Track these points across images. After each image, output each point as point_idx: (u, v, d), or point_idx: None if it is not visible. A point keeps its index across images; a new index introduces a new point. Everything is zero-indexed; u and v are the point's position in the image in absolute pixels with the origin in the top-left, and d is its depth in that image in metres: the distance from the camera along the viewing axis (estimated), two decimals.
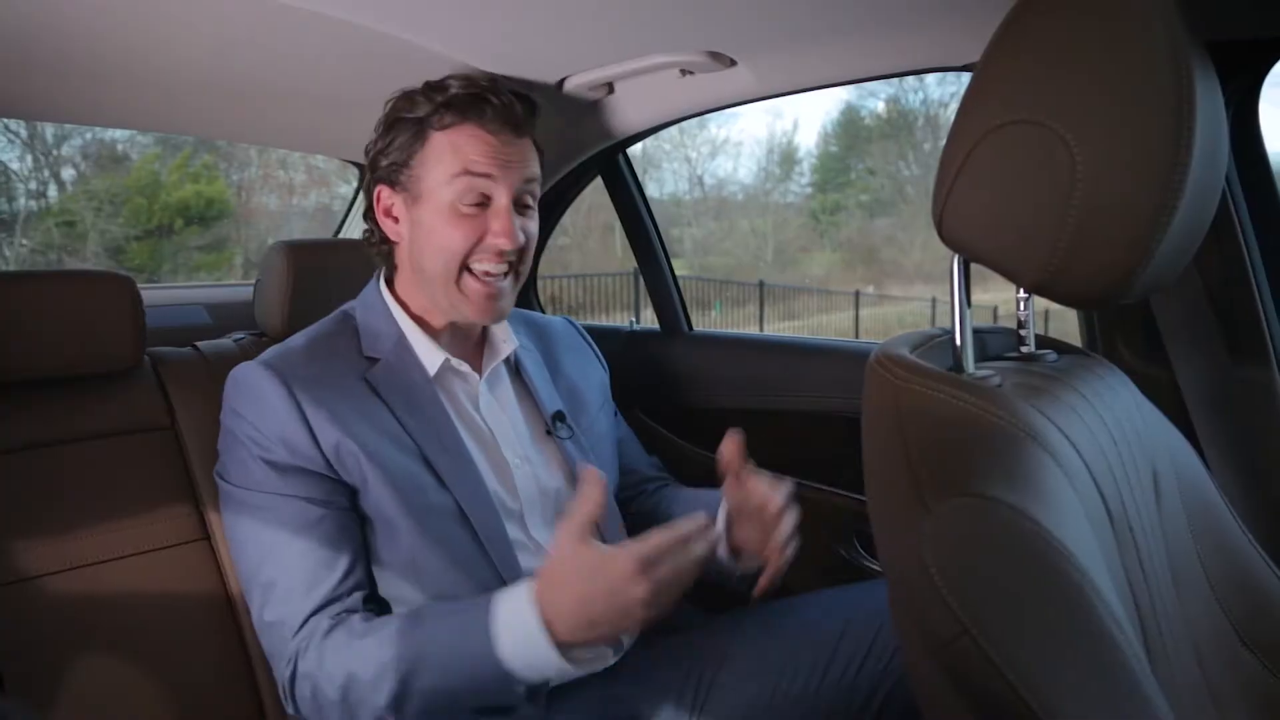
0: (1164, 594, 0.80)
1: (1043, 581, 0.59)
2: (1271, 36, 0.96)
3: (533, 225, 1.18)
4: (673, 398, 1.84)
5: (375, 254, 1.23)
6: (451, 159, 1.11)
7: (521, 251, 1.16)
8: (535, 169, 1.17)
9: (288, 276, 1.42)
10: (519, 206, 1.15)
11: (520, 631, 0.91)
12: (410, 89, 1.16)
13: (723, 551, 1.18)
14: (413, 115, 1.14)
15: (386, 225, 1.19)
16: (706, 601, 1.27)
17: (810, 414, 1.62)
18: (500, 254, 1.13)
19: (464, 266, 1.13)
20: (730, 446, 1.09)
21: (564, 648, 0.90)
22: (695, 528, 0.90)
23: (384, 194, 1.18)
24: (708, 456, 1.76)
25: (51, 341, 1.23)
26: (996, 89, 0.69)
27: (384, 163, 1.17)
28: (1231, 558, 0.89)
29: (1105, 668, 0.57)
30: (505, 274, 1.15)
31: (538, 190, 1.19)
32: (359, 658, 0.97)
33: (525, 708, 0.99)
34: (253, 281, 1.57)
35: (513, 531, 1.14)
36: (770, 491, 1.09)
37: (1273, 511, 1.09)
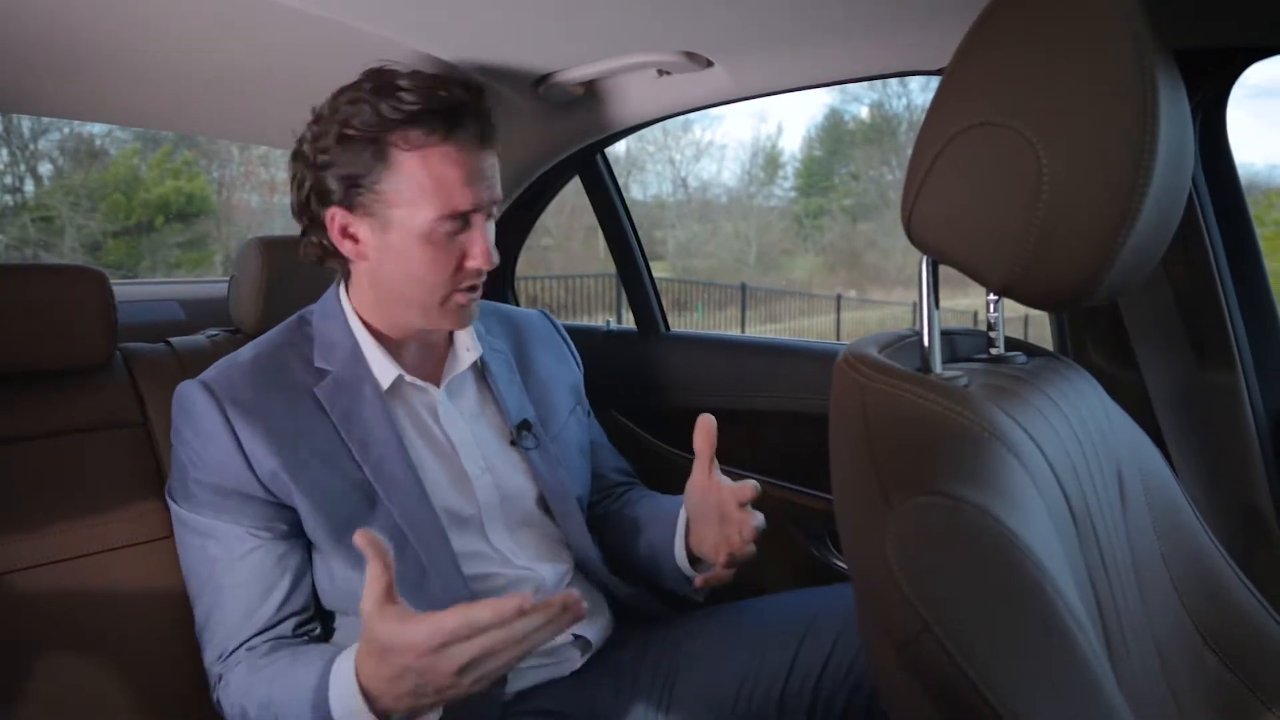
0: (1127, 594, 0.81)
1: (1004, 580, 0.59)
2: (1237, 45, 0.98)
3: (493, 231, 1.12)
4: (649, 398, 1.84)
5: (315, 258, 1.16)
6: (430, 189, 1.03)
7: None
8: (499, 181, 1.11)
9: (262, 273, 1.41)
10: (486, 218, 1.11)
11: (347, 700, 0.87)
12: (353, 91, 1.05)
13: (680, 556, 1.17)
14: (365, 131, 1.03)
15: (344, 246, 1.10)
16: (674, 600, 1.28)
17: (785, 414, 1.63)
18: (478, 273, 1.10)
19: (453, 288, 1.09)
20: (703, 435, 1.06)
21: (385, 714, 0.87)
22: (513, 606, 0.78)
23: (337, 215, 1.08)
24: (683, 456, 1.77)
25: (21, 336, 1.22)
26: (965, 91, 0.70)
27: (333, 179, 1.06)
28: (1195, 559, 0.90)
29: (1064, 666, 0.58)
30: (479, 288, 1.13)
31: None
32: (248, 694, 0.99)
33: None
34: (227, 278, 1.56)
35: (474, 543, 1.13)
36: (732, 491, 1.04)
37: (1237, 513, 1.11)
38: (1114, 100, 0.62)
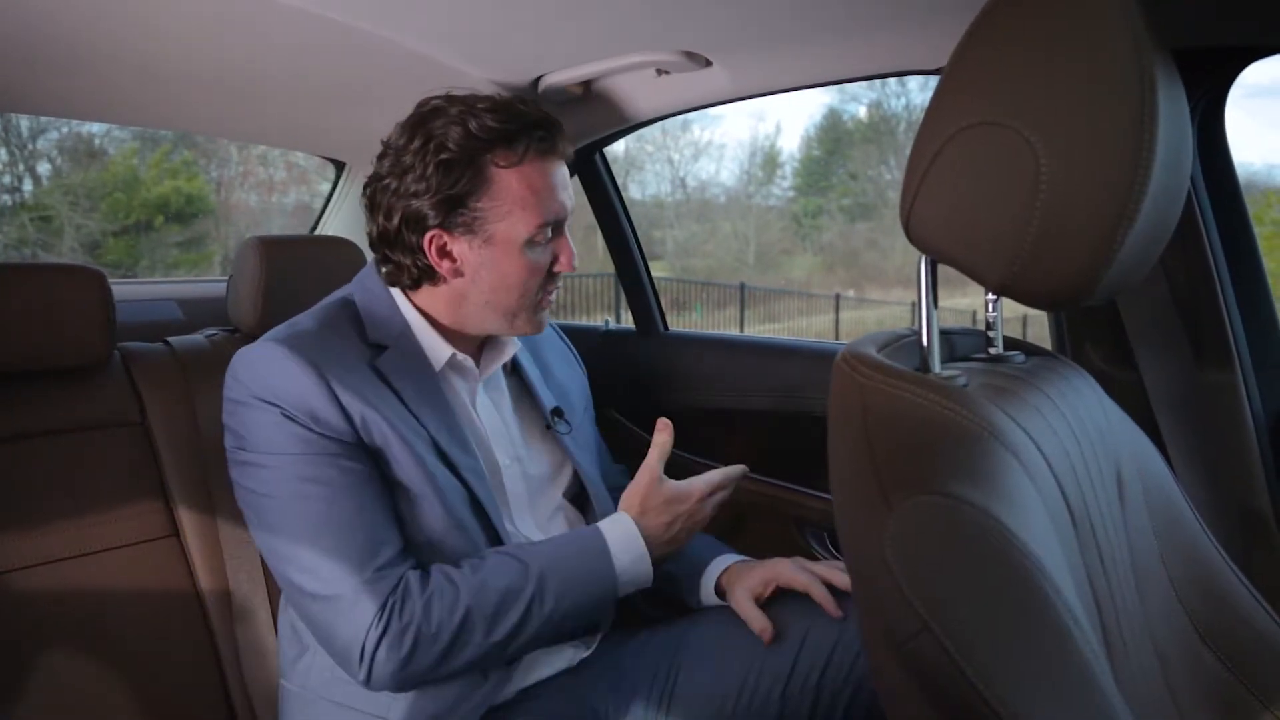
0: (1125, 593, 0.81)
1: (1003, 579, 0.59)
2: (1236, 45, 0.98)
3: None
4: (647, 397, 1.84)
5: (409, 282, 1.16)
6: (530, 202, 1.09)
7: None
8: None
9: (261, 272, 1.41)
10: None
11: (632, 551, 1.09)
12: (432, 120, 1.09)
13: (709, 586, 1.24)
14: (458, 152, 1.07)
15: (442, 266, 1.11)
16: (673, 605, 1.28)
17: (784, 414, 1.63)
18: (560, 276, 1.17)
19: (540, 297, 1.16)
20: (662, 432, 1.16)
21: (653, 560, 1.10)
22: (738, 470, 1.19)
23: (435, 237, 1.10)
24: (681, 456, 1.77)
25: (19, 335, 1.22)
26: (963, 91, 0.70)
27: (429, 204, 1.08)
28: (1194, 558, 0.90)
29: (1063, 666, 0.58)
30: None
31: None
32: (476, 593, 1.01)
33: (606, 624, 1.19)
34: (225, 277, 1.56)
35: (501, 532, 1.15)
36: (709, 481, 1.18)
37: (1235, 513, 1.11)
38: (1112, 99, 0.62)
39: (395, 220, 1.11)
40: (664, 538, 1.12)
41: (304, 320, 1.14)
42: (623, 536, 1.10)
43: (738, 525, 1.61)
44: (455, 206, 1.08)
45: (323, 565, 1.00)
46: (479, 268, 1.12)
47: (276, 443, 1.03)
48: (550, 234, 1.13)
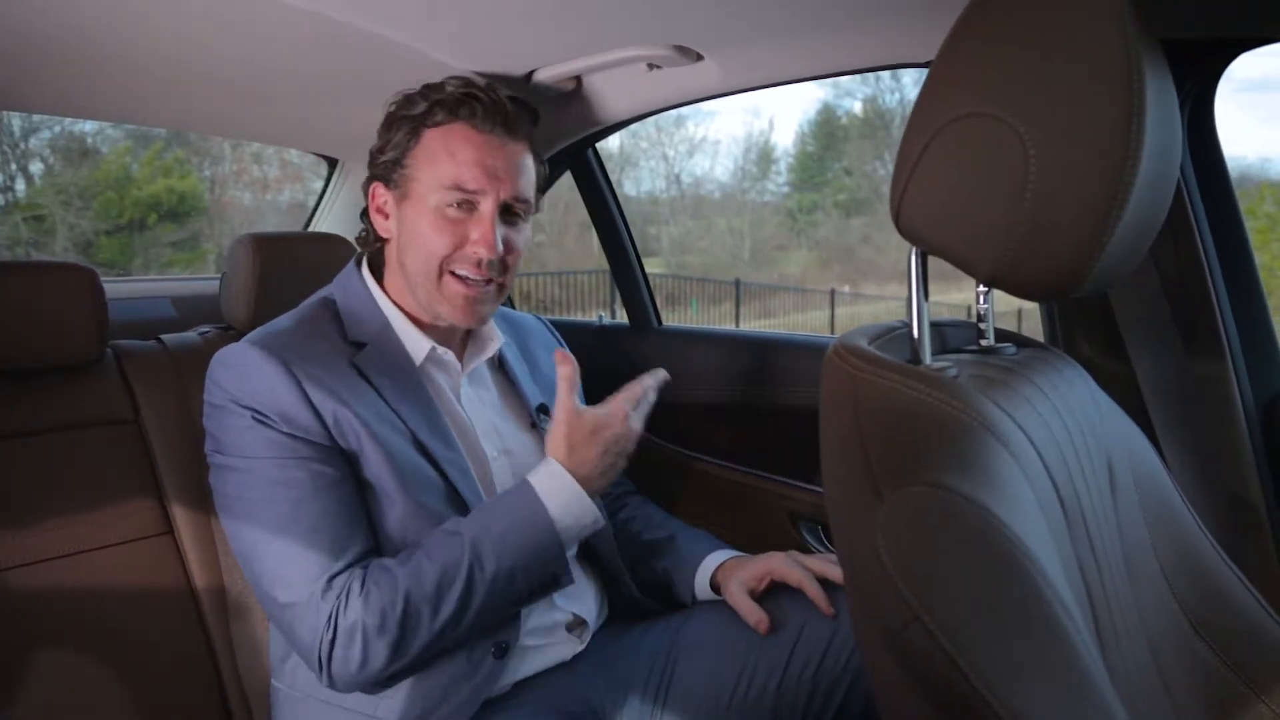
0: (1117, 584, 0.81)
1: (993, 569, 0.59)
2: (1225, 36, 0.98)
3: (520, 237, 1.17)
4: None
5: (367, 251, 1.23)
6: (443, 161, 1.11)
7: (505, 263, 1.14)
8: (528, 180, 1.16)
9: (253, 270, 1.41)
10: (507, 215, 1.15)
11: (563, 492, 1.06)
12: (410, 90, 1.16)
13: (702, 591, 1.24)
14: (409, 114, 1.14)
15: (378, 222, 1.19)
16: (669, 600, 1.28)
17: (777, 408, 1.63)
18: (479, 263, 1.12)
19: (445, 269, 1.13)
20: (564, 376, 1.14)
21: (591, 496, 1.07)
22: (652, 382, 1.21)
23: (379, 191, 1.18)
24: (676, 450, 1.77)
25: (11, 333, 1.22)
26: (952, 82, 0.70)
27: (381, 160, 1.17)
28: (1186, 548, 0.90)
29: (1054, 655, 0.58)
30: (487, 282, 1.14)
31: (531, 202, 1.18)
32: (412, 576, 0.99)
33: (566, 578, 1.11)
34: (219, 275, 1.55)
35: None
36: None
37: (1226, 503, 1.11)
38: (1101, 90, 0.62)
39: (367, 175, 1.21)
40: (599, 468, 1.10)
41: (282, 321, 1.16)
42: (550, 480, 1.07)
43: (732, 519, 1.61)
44: (394, 164, 1.16)
45: (285, 572, 1.01)
46: (400, 224, 1.16)
47: (248, 446, 1.05)
48: (469, 208, 1.12)
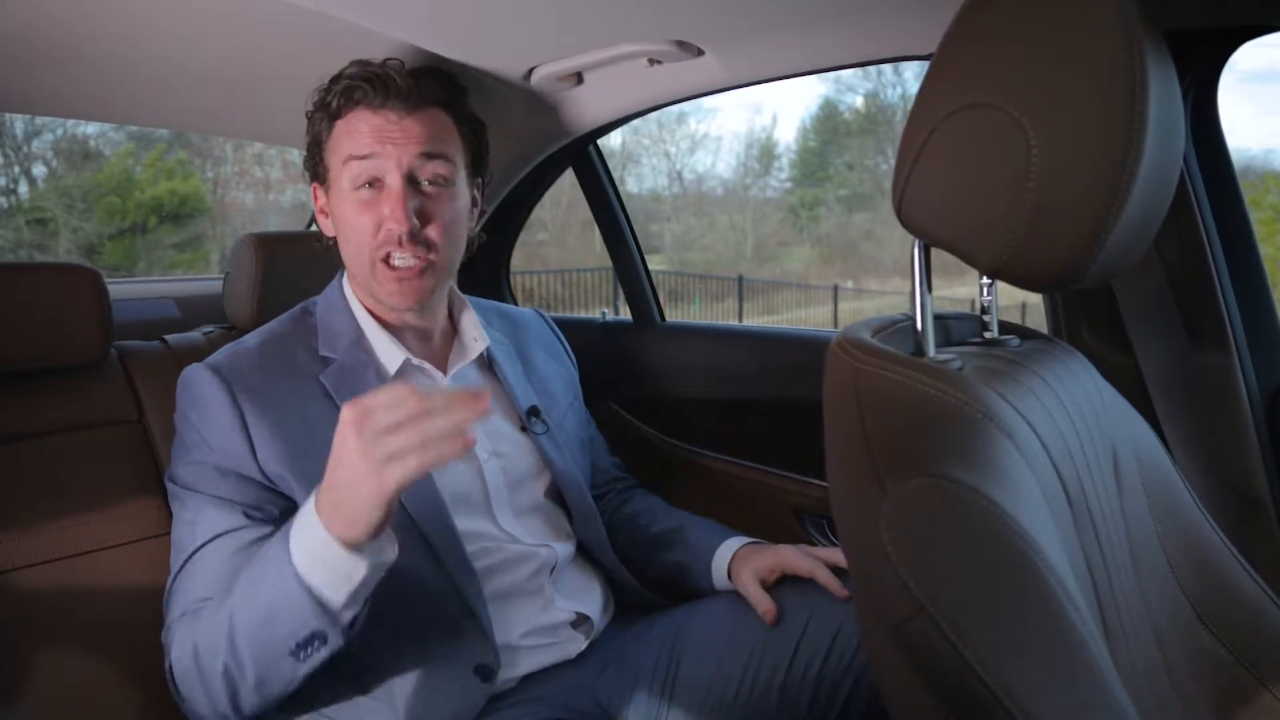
0: (1123, 574, 0.81)
1: (998, 560, 0.59)
2: (1228, 26, 0.97)
3: (443, 206, 1.12)
4: (645, 388, 1.84)
5: (329, 255, 1.22)
6: (345, 144, 1.11)
7: (427, 237, 1.11)
8: (438, 144, 1.12)
9: (256, 269, 1.41)
10: (418, 186, 1.11)
11: (308, 540, 0.87)
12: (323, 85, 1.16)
13: (720, 582, 1.24)
14: (320, 108, 1.15)
15: (321, 222, 1.20)
16: (673, 593, 1.28)
17: (781, 402, 1.63)
18: (399, 240, 1.09)
19: (375, 258, 1.11)
20: None
21: (353, 545, 0.86)
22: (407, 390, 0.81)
23: (317, 191, 1.20)
24: (679, 446, 1.77)
25: (16, 334, 1.22)
26: (954, 73, 0.70)
27: (308, 159, 1.19)
28: (1191, 539, 0.90)
29: (1060, 646, 0.58)
30: (417, 259, 1.11)
31: (449, 168, 1.13)
32: (199, 627, 0.96)
33: (336, 636, 0.90)
34: (222, 275, 1.56)
35: (481, 524, 1.14)
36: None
37: (1232, 493, 1.11)
38: (1103, 80, 0.62)
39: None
40: (339, 507, 0.85)
41: (252, 338, 1.16)
42: (301, 528, 0.89)
43: (736, 514, 1.61)
44: (317, 161, 1.17)
45: (175, 597, 1.03)
46: (334, 219, 1.17)
47: (182, 473, 1.07)
48: (372, 184, 1.10)
